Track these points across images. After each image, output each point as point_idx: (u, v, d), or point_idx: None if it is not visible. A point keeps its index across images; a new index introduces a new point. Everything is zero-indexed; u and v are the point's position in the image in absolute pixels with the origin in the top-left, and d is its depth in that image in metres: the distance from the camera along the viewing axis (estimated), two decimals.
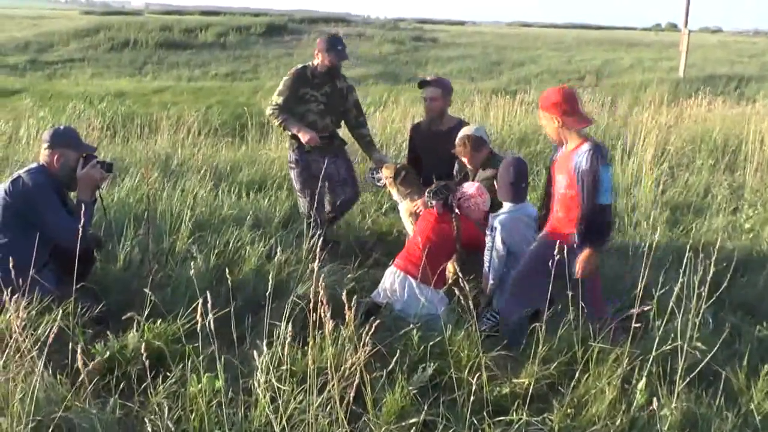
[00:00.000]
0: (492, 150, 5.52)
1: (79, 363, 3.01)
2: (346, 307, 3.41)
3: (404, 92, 16.58)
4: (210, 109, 13.37)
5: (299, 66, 6.21)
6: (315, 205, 6.00)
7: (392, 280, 4.84)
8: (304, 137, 5.90)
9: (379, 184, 5.90)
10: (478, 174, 5.34)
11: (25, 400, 3.12)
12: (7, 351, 3.39)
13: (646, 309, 3.79)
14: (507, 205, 4.80)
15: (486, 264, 4.73)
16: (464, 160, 5.37)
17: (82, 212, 4.19)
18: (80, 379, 3.32)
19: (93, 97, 14.64)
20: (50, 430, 3.13)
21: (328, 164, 6.03)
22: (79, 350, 3.01)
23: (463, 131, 5.42)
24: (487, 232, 4.76)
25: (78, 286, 3.84)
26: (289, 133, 6.14)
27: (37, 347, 3.42)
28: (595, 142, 4.34)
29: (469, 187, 5.05)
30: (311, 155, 6.10)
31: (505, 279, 4.71)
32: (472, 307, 3.71)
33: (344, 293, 3.39)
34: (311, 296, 3.37)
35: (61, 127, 4.66)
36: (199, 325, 3.07)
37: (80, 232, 4.05)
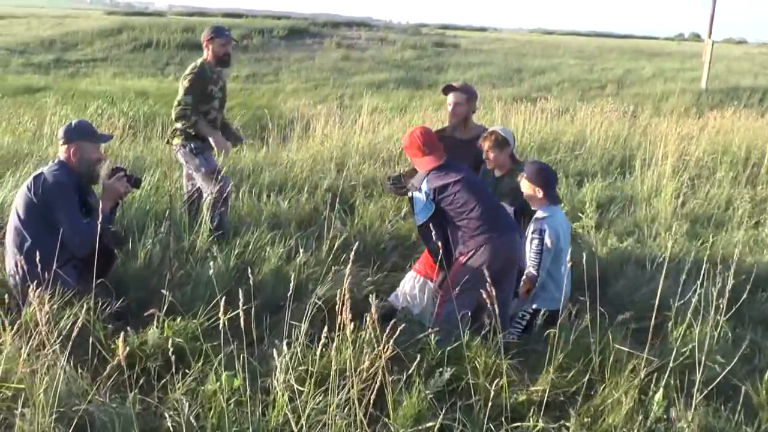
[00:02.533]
0: (514, 155, 5.51)
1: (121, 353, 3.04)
2: (371, 310, 3.42)
3: (425, 97, 16.60)
4: (231, 111, 13.39)
5: (196, 65, 6.18)
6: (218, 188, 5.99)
7: (412, 285, 4.88)
8: (218, 146, 6.00)
9: (401, 192, 5.86)
10: (505, 182, 5.32)
11: (48, 392, 3.17)
12: (30, 343, 3.44)
13: (657, 310, 3.76)
14: (549, 209, 4.86)
15: (534, 266, 4.73)
16: (485, 154, 5.35)
17: (95, 220, 4.25)
18: (104, 373, 3.36)
19: (115, 96, 14.74)
20: (71, 422, 3.17)
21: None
22: (121, 345, 3.04)
23: (494, 127, 5.46)
24: (533, 236, 4.76)
25: (99, 282, 3.89)
26: (180, 126, 6.06)
27: (59, 341, 3.47)
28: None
29: None
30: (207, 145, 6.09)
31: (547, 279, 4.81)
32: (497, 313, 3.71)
33: (370, 296, 3.40)
34: (337, 298, 3.39)
35: (74, 122, 4.67)
36: (221, 322, 3.10)
37: (87, 237, 4.11)
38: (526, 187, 4.87)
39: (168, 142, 6.49)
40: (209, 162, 6.09)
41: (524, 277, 4.75)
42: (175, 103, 6.07)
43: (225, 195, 5.98)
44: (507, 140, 5.27)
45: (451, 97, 5.86)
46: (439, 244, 4.42)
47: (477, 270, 4.29)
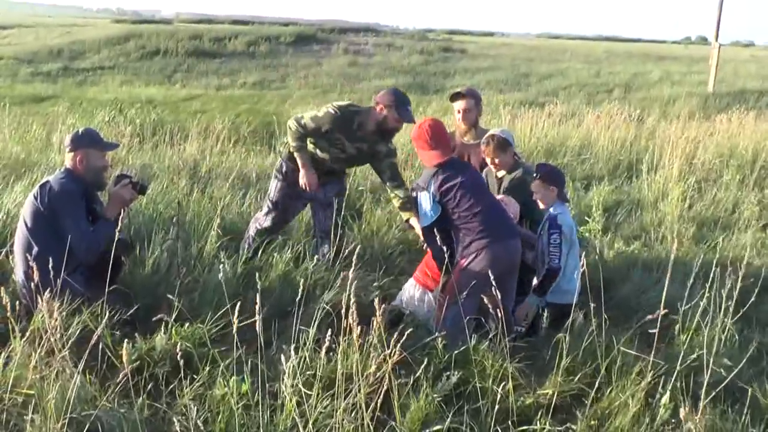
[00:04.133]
0: (516, 154, 5.53)
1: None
2: (377, 314, 3.43)
3: (432, 103, 16.61)
4: (239, 118, 13.50)
5: (351, 107, 5.40)
6: (270, 226, 5.64)
7: (411, 293, 4.93)
8: (303, 179, 5.35)
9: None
10: (505, 178, 5.36)
11: (58, 398, 3.20)
12: (39, 350, 3.47)
13: (662, 313, 3.76)
14: (561, 206, 5.00)
15: (556, 259, 4.80)
16: (489, 161, 5.38)
17: (102, 228, 4.29)
18: (115, 378, 3.38)
19: (123, 104, 14.82)
20: (81, 427, 3.20)
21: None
22: (125, 353, 3.06)
23: (491, 131, 5.45)
24: (552, 231, 4.83)
25: (107, 289, 3.92)
26: (289, 148, 5.50)
27: (68, 347, 3.50)
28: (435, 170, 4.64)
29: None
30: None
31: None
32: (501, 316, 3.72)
33: (377, 300, 3.41)
34: (343, 303, 3.41)
35: (80, 129, 4.71)
36: (234, 327, 3.12)
37: (93, 245, 4.13)
38: (540, 187, 4.97)
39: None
40: (276, 191, 5.63)
41: (544, 271, 4.81)
42: (295, 120, 5.38)
43: (267, 237, 5.56)
44: (507, 141, 5.31)
45: (461, 104, 5.87)
46: (444, 248, 4.43)
47: (478, 274, 4.33)
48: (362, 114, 5.35)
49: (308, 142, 5.42)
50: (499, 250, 4.51)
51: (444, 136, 4.79)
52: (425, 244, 4.94)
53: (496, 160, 5.31)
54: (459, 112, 5.89)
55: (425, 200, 4.61)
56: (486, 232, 4.50)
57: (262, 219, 5.72)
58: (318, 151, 5.44)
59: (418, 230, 5.01)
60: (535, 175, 5.05)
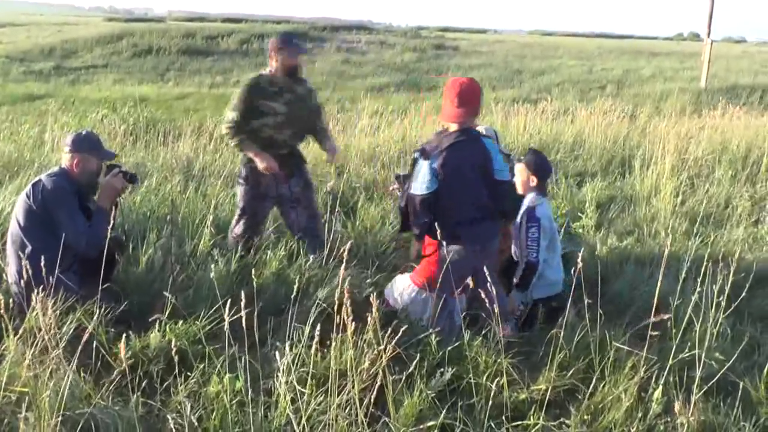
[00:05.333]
0: (502, 151, 5.54)
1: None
2: (373, 310, 3.44)
3: (425, 100, 16.62)
4: None
5: (253, 75, 5.69)
6: (243, 232, 5.66)
7: (411, 296, 4.87)
8: (261, 163, 5.44)
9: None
10: None
11: (52, 396, 3.20)
12: (33, 348, 3.47)
13: (665, 318, 3.79)
14: (538, 198, 4.93)
15: (534, 253, 4.78)
16: None
17: (98, 219, 4.30)
18: (110, 376, 3.39)
19: (116, 102, 14.79)
20: (75, 425, 3.20)
21: (280, 185, 5.66)
22: (122, 349, 3.06)
23: (477, 128, 5.44)
24: (530, 225, 4.81)
25: (101, 287, 3.92)
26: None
27: (62, 345, 3.50)
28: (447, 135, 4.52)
29: None
30: (263, 174, 5.56)
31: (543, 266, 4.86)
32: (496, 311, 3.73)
33: (371, 296, 3.41)
34: (336, 299, 3.42)
35: (83, 132, 4.71)
36: (226, 324, 3.12)
37: (93, 238, 4.13)
38: (521, 172, 4.94)
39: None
40: (242, 197, 5.71)
41: (522, 266, 4.80)
42: (223, 118, 5.65)
43: (244, 246, 5.51)
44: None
45: None
46: (422, 223, 4.42)
47: (457, 263, 4.36)
48: (264, 73, 5.62)
49: (254, 130, 5.53)
50: (469, 254, 4.49)
51: (475, 100, 4.58)
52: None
53: None
54: None
55: (424, 171, 4.44)
56: (463, 231, 4.48)
57: (235, 227, 5.74)
58: (267, 129, 5.55)
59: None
60: (521, 158, 5.04)
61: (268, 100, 5.51)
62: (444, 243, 4.41)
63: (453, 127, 4.56)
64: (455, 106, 4.51)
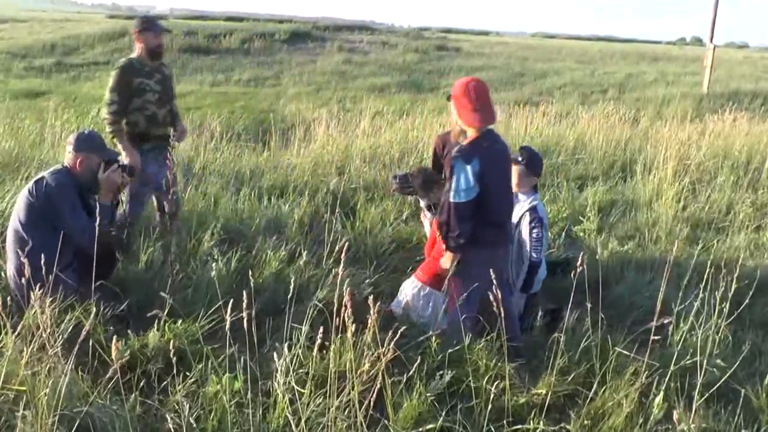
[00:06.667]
0: None
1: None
2: (372, 311, 3.42)
3: (427, 101, 16.61)
4: (233, 114, 13.46)
5: (123, 60, 5.86)
6: (133, 219, 5.69)
7: (417, 297, 4.85)
8: (129, 159, 5.53)
9: (406, 191, 5.83)
10: None
11: (50, 394, 3.18)
12: (31, 346, 3.45)
13: (666, 322, 3.78)
14: (536, 196, 5.00)
15: (537, 252, 4.81)
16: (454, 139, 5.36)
17: (102, 214, 4.28)
18: (105, 375, 3.37)
19: None
20: (72, 424, 3.18)
21: (159, 172, 5.78)
22: (114, 348, 3.04)
23: None
24: (533, 225, 4.80)
25: (100, 285, 3.90)
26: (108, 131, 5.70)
27: (60, 344, 3.48)
28: (477, 138, 4.34)
29: None
30: (146, 157, 5.73)
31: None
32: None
33: (371, 297, 3.39)
34: (335, 300, 3.40)
35: (86, 132, 4.72)
36: (226, 324, 3.10)
37: (97, 234, 4.11)
38: (519, 171, 4.93)
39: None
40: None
41: (527, 266, 4.80)
42: (103, 102, 5.75)
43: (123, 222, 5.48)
44: None
45: None
46: (466, 231, 4.23)
47: (481, 272, 4.11)
48: (134, 57, 5.85)
49: (138, 109, 5.71)
50: (492, 257, 4.36)
51: (488, 100, 4.41)
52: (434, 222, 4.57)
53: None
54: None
55: (467, 175, 4.17)
56: (490, 234, 4.32)
57: (130, 213, 5.77)
58: (150, 106, 5.76)
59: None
60: (519, 159, 5.00)
61: (143, 78, 5.75)
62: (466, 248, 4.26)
63: (471, 131, 4.37)
64: (474, 109, 4.32)
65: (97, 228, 4.12)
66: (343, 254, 3.63)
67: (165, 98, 5.93)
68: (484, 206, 4.23)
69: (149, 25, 5.91)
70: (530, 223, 4.81)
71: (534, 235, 4.80)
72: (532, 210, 4.85)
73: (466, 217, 4.20)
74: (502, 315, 3.65)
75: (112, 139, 5.67)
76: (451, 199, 4.22)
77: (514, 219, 4.91)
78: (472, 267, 4.22)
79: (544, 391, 3.84)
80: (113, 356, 2.94)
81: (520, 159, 4.98)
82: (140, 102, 5.72)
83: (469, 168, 4.15)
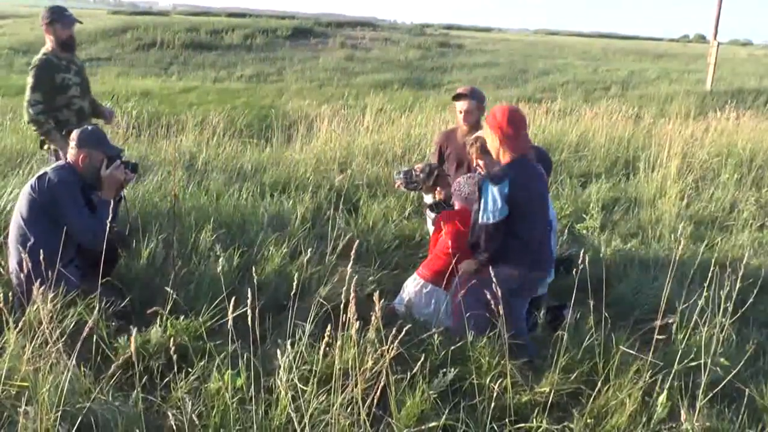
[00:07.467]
0: None
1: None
2: (376, 310, 3.41)
3: (429, 98, 16.59)
4: (235, 110, 13.41)
5: (39, 57, 5.67)
6: None
7: (419, 294, 4.84)
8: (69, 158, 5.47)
9: (411, 187, 5.82)
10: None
11: (52, 390, 3.17)
12: (33, 342, 3.44)
13: (670, 321, 3.76)
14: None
15: None
16: (474, 162, 5.35)
17: (103, 211, 4.27)
18: (107, 371, 3.36)
19: (119, 96, 14.75)
20: (75, 420, 3.17)
21: None
22: (132, 344, 3.03)
23: (477, 134, 5.40)
24: None
25: (102, 281, 3.90)
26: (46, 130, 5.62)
27: (62, 340, 3.47)
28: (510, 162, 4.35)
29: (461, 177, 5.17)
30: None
31: None
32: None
33: (375, 294, 3.38)
34: (342, 297, 3.39)
35: (89, 128, 4.72)
36: (229, 320, 3.09)
37: (100, 231, 4.10)
38: None
39: (42, 147, 5.90)
40: None
41: None
42: (25, 104, 5.61)
43: None
44: None
45: (462, 105, 5.76)
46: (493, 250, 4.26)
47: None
48: (47, 52, 5.67)
49: (64, 106, 5.63)
50: (530, 279, 4.38)
51: (524, 127, 4.44)
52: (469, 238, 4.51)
53: (480, 162, 5.28)
54: (461, 112, 5.81)
55: (496, 196, 4.20)
56: (527, 257, 4.31)
57: None
58: (76, 101, 5.72)
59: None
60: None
61: (63, 73, 5.64)
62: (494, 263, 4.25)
63: (506, 157, 4.37)
64: (517, 137, 4.34)
65: (108, 226, 4.11)
66: (353, 251, 3.63)
67: (85, 89, 5.86)
68: (517, 227, 4.25)
69: (58, 15, 5.69)
70: None
71: None
72: None
73: (496, 236, 4.24)
74: (503, 312, 3.65)
75: (43, 139, 5.61)
76: (480, 220, 4.27)
77: None
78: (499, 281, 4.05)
79: (547, 390, 3.83)
80: (131, 348, 2.93)
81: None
82: (65, 99, 5.65)
83: (496, 189, 4.19)
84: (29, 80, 5.55)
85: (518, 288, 4.31)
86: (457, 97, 5.83)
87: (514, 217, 4.21)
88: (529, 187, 4.30)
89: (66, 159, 5.25)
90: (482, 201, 4.26)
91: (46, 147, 5.78)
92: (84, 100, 5.83)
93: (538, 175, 4.48)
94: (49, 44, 5.69)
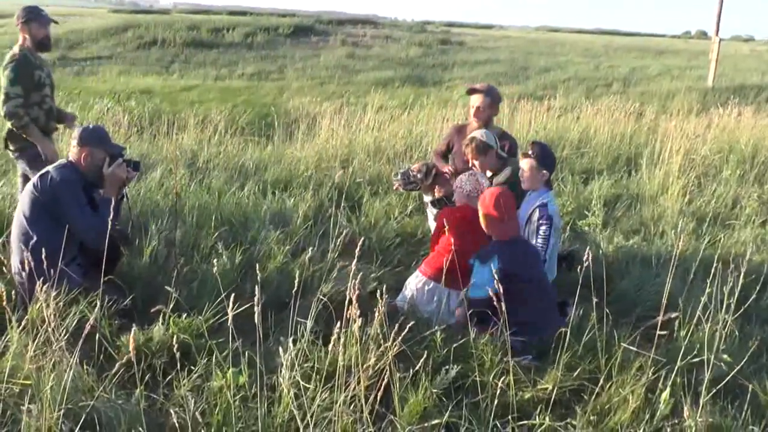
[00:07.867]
0: (503, 156, 5.48)
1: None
2: (380, 305, 3.41)
3: (430, 95, 16.58)
4: (236, 108, 13.42)
5: (15, 53, 5.59)
6: None
7: (421, 291, 4.83)
8: (46, 151, 5.50)
9: (409, 187, 5.82)
10: (494, 180, 5.32)
11: (55, 388, 3.17)
12: (36, 340, 3.44)
13: (673, 317, 3.75)
14: (548, 193, 4.95)
15: (544, 251, 4.77)
16: (470, 162, 5.35)
17: (105, 209, 4.28)
18: (110, 369, 3.36)
19: (121, 94, 14.75)
20: (78, 418, 3.17)
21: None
22: (132, 341, 3.03)
23: (473, 133, 5.40)
24: (542, 222, 4.77)
25: (104, 279, 3.90)
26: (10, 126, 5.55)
27: (65, 338, 3.48)
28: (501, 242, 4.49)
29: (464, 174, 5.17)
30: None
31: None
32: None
33: (378, 292, 3.38)
34: (346, 293, 3.39)
35: (91, 126, 4.74)
36: (229, 318, 3.09)
37: (102, 229, 4.10)
38: (530, 167, 4.90)
39: (7, 148, 5.73)
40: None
41: None
42: (2, 97, 5.48)
43: None
44: (488, 144, 5.29)
45: (476, 100, 5.76)
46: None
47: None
48: (22, 48, 5.61)
49: (37, 103, 5.59)
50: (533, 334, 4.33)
51: (511, 212, 4.54)
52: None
53: (476, 163, 5.29)
54: (472, 107, 5.80)
55: (486, 274, 4.24)
56: (527, 319, 4.25)
57: None
58: (48, 100, 5.70)
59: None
60: (530, 153, 4.98)
61: (38, 70, 5.61)
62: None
63: (496, 238, 4.53)
64: (503, 221, 4.46)
65: (110, 224, 4.11)
66: (358, 248, 3.63)
67: (53, 91, 5.85)
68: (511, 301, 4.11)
69: (35, 15, 5.67)
70: (538, 220, 4.77)
71: (541, 233, 4.74)
72: (542, 207, 4.80)
73: (482, 307, 4.25)
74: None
75: (21, 133, 5.54)
76: (470, 295, 4.43)
77: (524, 216, 4.89)
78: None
79: (549, 387, 3.82)
80: (130, 346, 2.92)
81: (530, 153, 4.96)
82: (40, 96, 5.62)
83: (485, 268, 4.29)
84: (8, 74, 5.45)
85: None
86: (472, 92, 5.82)
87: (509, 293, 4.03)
88: (519, 260, 4.41)
89: (43, 153, 5.27)
90: (472, 277, 4.44)
91: (11, 147, 5.66)
92: (53, 101, 5.81)
93: (531, 255, 4.58)
94: (22, 42, 5.64)
